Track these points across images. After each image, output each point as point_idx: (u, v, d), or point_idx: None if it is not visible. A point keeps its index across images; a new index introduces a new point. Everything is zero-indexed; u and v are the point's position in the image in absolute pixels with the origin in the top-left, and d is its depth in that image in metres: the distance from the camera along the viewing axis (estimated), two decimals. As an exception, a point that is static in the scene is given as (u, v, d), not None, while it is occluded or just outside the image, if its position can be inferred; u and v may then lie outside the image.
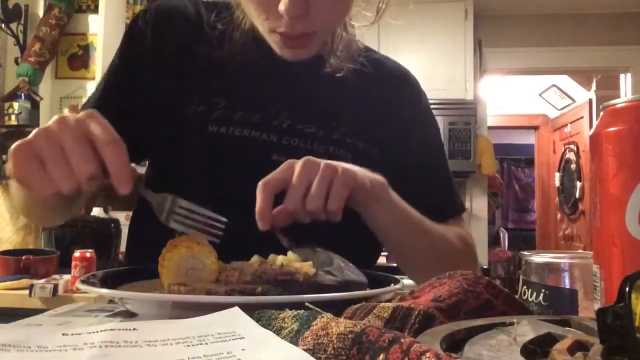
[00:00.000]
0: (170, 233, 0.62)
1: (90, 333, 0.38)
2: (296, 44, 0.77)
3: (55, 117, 0.58)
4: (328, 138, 0.86)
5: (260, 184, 0.66)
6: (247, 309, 0.43)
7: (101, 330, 0.38)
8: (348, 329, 0.34)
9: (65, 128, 0.56)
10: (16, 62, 2.75)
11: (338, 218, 0.67)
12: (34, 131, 0.57)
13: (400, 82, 0.97)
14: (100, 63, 2.69)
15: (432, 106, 0.98)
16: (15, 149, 0.56)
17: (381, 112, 0.92)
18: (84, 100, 0.98)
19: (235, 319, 0.42)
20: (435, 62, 3.42)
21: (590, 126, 4.26)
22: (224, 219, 0.64)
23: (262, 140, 0.83)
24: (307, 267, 0.59)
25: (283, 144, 0.84)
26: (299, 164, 0.66)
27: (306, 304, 0.43)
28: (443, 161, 0.98)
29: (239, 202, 0.79)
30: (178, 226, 0.61)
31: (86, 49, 2.87)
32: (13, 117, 2.64)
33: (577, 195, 4.97)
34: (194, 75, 0.86)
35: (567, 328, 0.41)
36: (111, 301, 0.60)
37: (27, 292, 1.94)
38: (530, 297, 0.54)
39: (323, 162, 0.67)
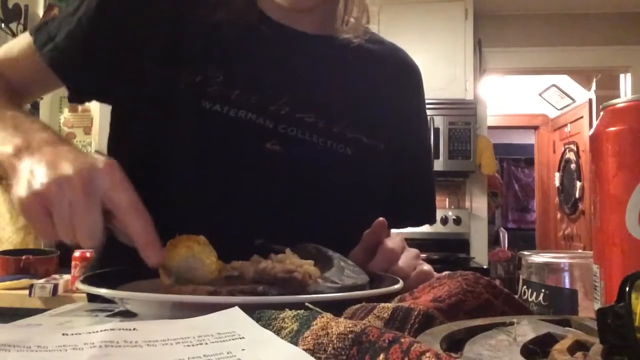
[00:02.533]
0: (168, 233, 0.62)
1: (90, 333, 0.38)
2: None
3: (71, 168, 0.52)
4: (328, 130, 0.79)
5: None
6: (247, 309, 0.43)
7: (101, 330, 0.38)
8: (348, 329, 0.34)
9: (78, 187, 0.51)
10: (16, 62, 2.74)
11: None
12: (48, 179, 0.52)
13: (408, 75, 0.94)
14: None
15: (432, 106, 0.99)
16: (25, 201, 0.52)
17: (387, 104, 0.87)
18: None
19: (235, 319, 0.42)
20: (435, 62, 3.41)
21: (590, 126, 4.26)
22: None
23: (258, 124, 0.75)
24: (307, 266, 0.59)
25: (279, 132, 0.76)
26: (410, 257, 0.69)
27: (306, 304, 0.43)
28: (431, 167, 0.99)
29: (232, 196, 0.75)
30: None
31: (86, 49, 2.87)
32: (13, 117, 2.64)
33: (577, 195, 4.97)
34: (188, 44, 0.76)
35: (567, 328, 0.41)
36: (110, 301, 0.60)
37: (27, 292, 1.94)
38: (530, 297, 0.54)
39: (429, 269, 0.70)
